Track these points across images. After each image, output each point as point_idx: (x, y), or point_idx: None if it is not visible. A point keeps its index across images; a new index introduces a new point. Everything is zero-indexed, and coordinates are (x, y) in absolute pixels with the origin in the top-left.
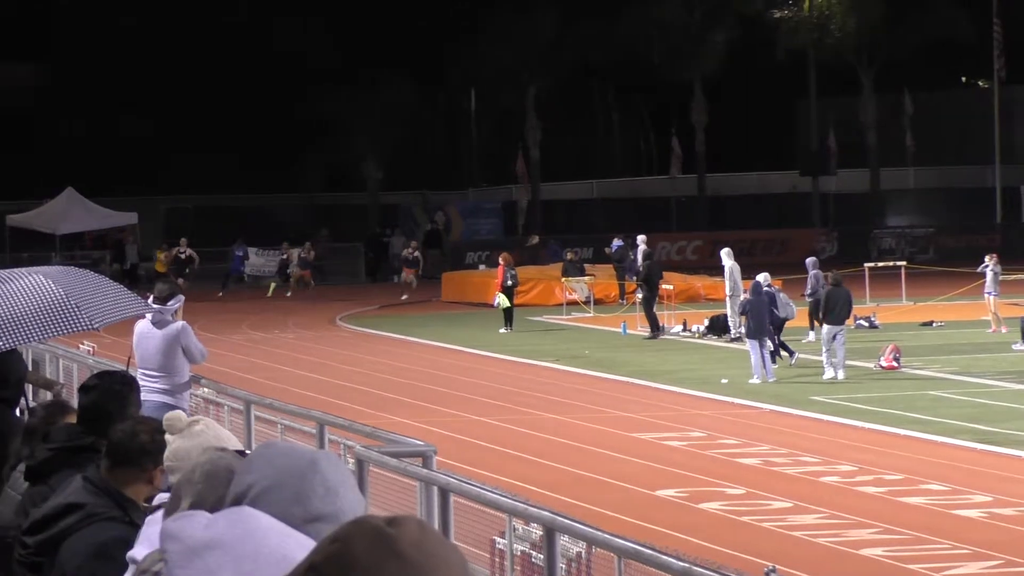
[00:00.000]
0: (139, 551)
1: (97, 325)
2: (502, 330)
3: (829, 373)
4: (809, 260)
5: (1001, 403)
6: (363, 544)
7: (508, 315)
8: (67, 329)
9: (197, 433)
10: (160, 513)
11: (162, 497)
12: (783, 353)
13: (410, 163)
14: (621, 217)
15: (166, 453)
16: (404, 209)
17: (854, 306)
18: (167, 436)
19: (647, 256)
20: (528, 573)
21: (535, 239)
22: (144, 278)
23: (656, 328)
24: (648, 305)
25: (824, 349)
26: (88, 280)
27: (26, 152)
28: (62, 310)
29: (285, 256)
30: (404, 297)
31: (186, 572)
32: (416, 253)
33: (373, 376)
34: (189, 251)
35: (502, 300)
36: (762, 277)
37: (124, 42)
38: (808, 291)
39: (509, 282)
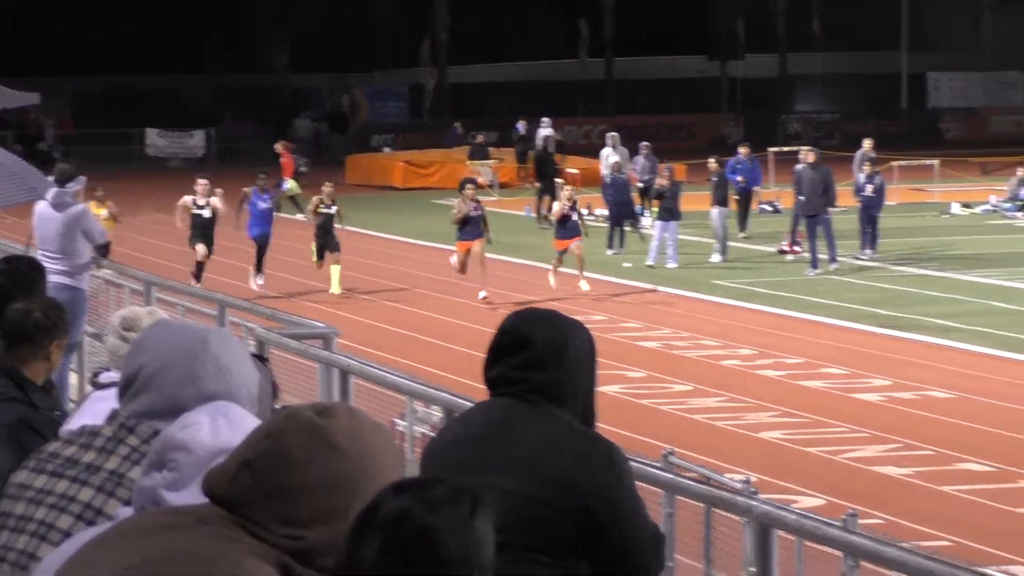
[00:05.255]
0: (76, 424)
1: None
2: (300, 216)
3: (717, 257)
4: (642, 144)
5: (901, 288)
6: (297, 438)
7: (296, 201)
8: None
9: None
10: (110, 391)
11: (109, 376)
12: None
13: (317, 45)
14: (529, 101)
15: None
16: (311, 91)
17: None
18: (131, 334)
19: (519, 139)
20: None
21: (458, 126)
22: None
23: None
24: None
25: (718, 235)
26: None
27: None
28: None
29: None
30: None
31: (198, 479)
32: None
33: (276, 258)
34: (335, 206)
35: (293, 186)
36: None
37: None
38: (647, 176)
39: (303, 168)
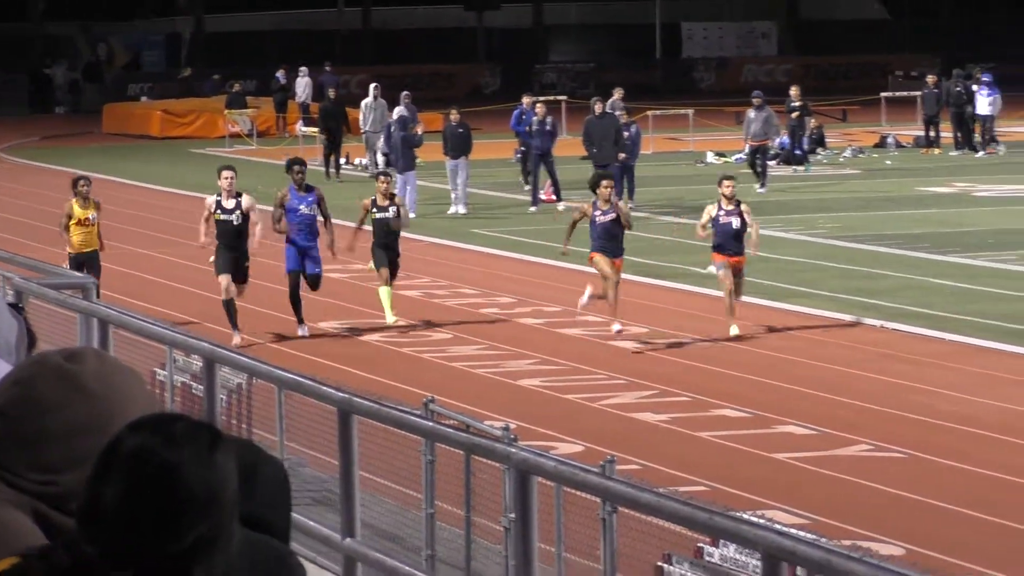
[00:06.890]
0: None
1: None
2: None
3: (455, 208)
4: (403, 93)
5: (659, 236)
6: (46, 384)
7: None
8: None
9: None
10: None
11: None
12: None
13: None
14: (288, 50)
15: None
16: (65, 40)
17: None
18: None
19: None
20: (189, 404)
21: (188, 71)
22: None
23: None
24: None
25: (451, 184)
26: None
27: None
28: None
29: None
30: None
31: None
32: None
33: (36, 209)
34: (393, 207)
35: None
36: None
37: None
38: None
39: None
